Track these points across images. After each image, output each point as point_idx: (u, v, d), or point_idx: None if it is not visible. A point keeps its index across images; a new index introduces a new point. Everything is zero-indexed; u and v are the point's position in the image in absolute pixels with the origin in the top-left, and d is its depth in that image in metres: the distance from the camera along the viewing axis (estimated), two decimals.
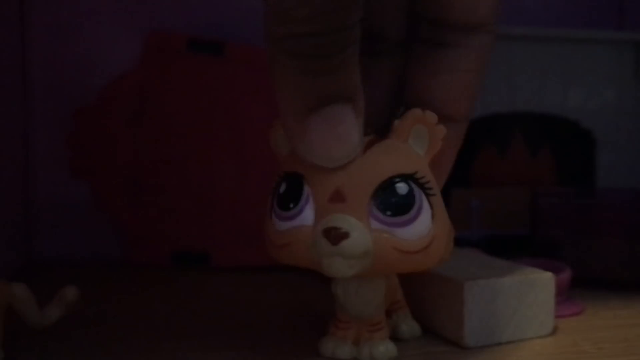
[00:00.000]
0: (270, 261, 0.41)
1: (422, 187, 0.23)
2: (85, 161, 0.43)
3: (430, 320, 0.28)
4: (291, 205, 0.23)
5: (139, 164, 0.43)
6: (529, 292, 0.28)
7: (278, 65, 0.21)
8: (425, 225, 0.23)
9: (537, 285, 0.28)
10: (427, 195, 0.23)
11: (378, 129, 0.24)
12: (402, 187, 0.23)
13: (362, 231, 0.22)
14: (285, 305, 0.34)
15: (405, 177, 0.23)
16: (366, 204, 0.22)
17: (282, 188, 0.24)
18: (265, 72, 0.42)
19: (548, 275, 0.28)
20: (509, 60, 0.51)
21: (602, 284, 0.35)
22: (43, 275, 0.40)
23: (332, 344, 0.26)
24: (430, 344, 0.27)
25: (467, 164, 0.52)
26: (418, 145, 0.24)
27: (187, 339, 0.28)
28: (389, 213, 0.22)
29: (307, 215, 0.23)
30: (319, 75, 0.20)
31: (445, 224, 0.24)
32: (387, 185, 0.22)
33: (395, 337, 0.27)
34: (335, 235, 0.22)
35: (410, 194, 0.23)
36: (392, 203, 0.22)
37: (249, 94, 0.42)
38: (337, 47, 0.20)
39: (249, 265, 0.41)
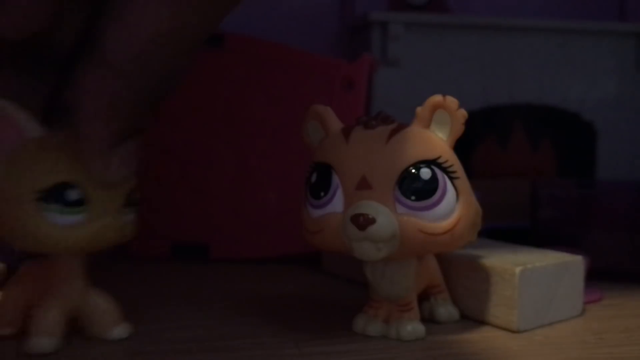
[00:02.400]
0: (268, 254, 0.42)
1: (446, 171, 0.24)
2: None
3: (469, 307, 0.29)
4: (322, 194, 0.25)
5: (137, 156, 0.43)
6: (564, 274, 0.29)
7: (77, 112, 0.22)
8: (449, 208, 0.24)
9: (571, 268, 0.29)
10: (451, 179, 0.24)
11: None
12: (425, 173, 0.24)
13: (388, 216, 0.23)
14: (286, 294, 0.34)
15: (429, 163, 0.24)
16: (391, 190, 0.23)
17: (314, 178, 0.25)
18: (264, 64, 0.42)
19: (579, 259, 0.29)
20: (510, 52, 0.51)
21: (602, 275, 0.35)
22: None
23: (364, 321, 0.27)
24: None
25: (468, 156, 0.52)
26: (440, 130, 0.25)
27: (189, 328, 0.27)
28: (413, 198, 0.23)
29: (337, 203, 0.24)
30: (113, 121, 0.22)
31: (471, 206, 0.25)
32: (411, 171, 0.24)
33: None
34: (362, 221, 0.23)
35: (433, 179, 0.24)
36: (416, 188, 0.23)
37: (248, 85, 0.42)
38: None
39: (248, 257, 0.41)
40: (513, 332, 0.27)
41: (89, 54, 0.22)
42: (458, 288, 0.29)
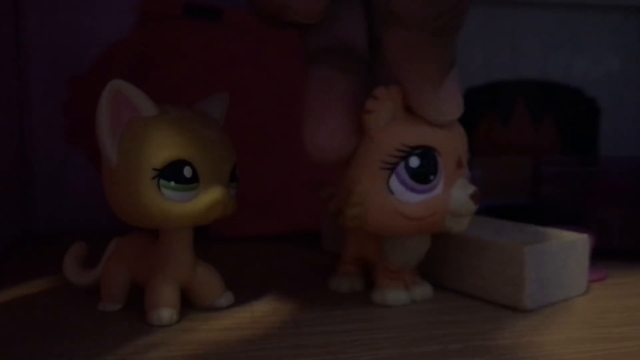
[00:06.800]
0: (267, 232, 0.41)
1: None
2: (81, 129, 0.42)
3: (476, 285, 0.29)
4: (432, 178, 0.25)
5: None
6: (570, 253, 0.29)
7: (411, 43, 0.22)
8: None
9: (577, 247, 0.29)
10: None
11: None
12: None
13: None
14: (286, 273, 0.33)
15: None
16: (465, 167, 0.26)
17: (415, 163, 0.24)
18: (263, 38, 0.41)
19: (584, 237, 0.29)
20: (512, 27, 0.50)
21: (605, 253, 0.35)
22: (42, 246, 0.40)
23: (395, 294, 0.28)
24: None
25: (470, 133, 0.51)
26: None
27: (188, 306, 0.27)
28: (468, 174, 0.26)
29: (441, 184, 0.25)
30: (448, 45, 0.22)
31: None
32: (469, 149, 0.26)
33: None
34: (478, 197, 0.25)
35: None
36: (469, 163, 0.26)
37: (247, 59, 0.41)
38: (464, 17, 0.22)
39: (247, 235, 0.41)
40: (521, 311, 0.27)
41: None
42: (464, 267, 0.29)
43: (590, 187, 0.38)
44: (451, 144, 0.25)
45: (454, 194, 0.25)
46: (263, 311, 0.27)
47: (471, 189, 0.25)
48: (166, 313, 0.25)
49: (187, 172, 0.24)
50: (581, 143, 0.53)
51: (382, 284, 0.28)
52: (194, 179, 0.25)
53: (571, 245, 0.29)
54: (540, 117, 0.52)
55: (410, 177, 0.24)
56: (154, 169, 0.24)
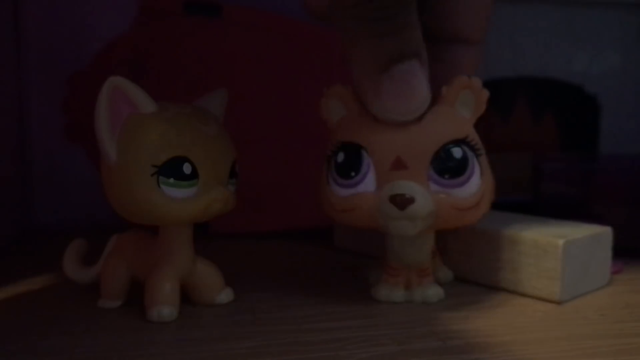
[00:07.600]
0: (266, 229, 0.41)
1: (473, 149, 0.25)
2: (81, 126, 0.42)
3: (505, 279, 0.29)
4: (352, 174, 0.25)
5: None
6: (597, 246, 0.29)
7: (347, 32, 0.22)
8: (476, 184, 0.25)
9: (601, 239, 0.29)
10: (477, 156, 0.25)
11: None
12: (457, 152, 0.24)
13: (425, 195, 0.24)
14: (293, 269, 0.33)
15: (459, 142, 0.25)
16: (426, 170, 0.24)
17: (340, 157, 0.25)
18: (263, 35, 0.41)
19: (608, 230, 0.30)
20: (513, 24, 0.50)
21: None
22: (41, 243, 0.40)
23: (387, 290, 0.28)
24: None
25: None
26: (465, 109, 0.25)
27: (191, 301, 0.27)
28: (447, 176, 0.24)
29: (369, 182, 0.25)
30: (386, 36, 0.22)
31: (490, 180, 0.26)
32: (444, 151, 0.24)
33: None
34: (401, 201, 0.24)
35: (464, 157, 0.25)
36: (450, 167, 0.24)
37: (246, 56, 0.41)
38: (397, 8, 0.21)
39: (247, 232, 0.41)
40: (555, 303, 0.27)
41: None
42: (491, 261, 0.29)
43: (590, 184, 0.38)
44: (388, 144, 0.24)
45: (381, 194, 0.25)
46: (263, 308, 0.27)
47: (395, 191, 0.24)
48: (166, 310, 0.25)
49: (186, 168, 0.24)
50: (581, 140, 0.53)
51: (381, 279, 0.28)
52: (194, 175, 0.25)
53: (597, 238, 0.29)
54: (541, 114, 0.52)
55: (335, 171, 0.25)
56: (153, 166, 0.24)
